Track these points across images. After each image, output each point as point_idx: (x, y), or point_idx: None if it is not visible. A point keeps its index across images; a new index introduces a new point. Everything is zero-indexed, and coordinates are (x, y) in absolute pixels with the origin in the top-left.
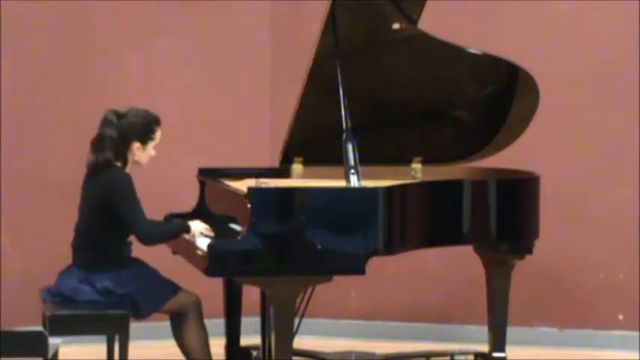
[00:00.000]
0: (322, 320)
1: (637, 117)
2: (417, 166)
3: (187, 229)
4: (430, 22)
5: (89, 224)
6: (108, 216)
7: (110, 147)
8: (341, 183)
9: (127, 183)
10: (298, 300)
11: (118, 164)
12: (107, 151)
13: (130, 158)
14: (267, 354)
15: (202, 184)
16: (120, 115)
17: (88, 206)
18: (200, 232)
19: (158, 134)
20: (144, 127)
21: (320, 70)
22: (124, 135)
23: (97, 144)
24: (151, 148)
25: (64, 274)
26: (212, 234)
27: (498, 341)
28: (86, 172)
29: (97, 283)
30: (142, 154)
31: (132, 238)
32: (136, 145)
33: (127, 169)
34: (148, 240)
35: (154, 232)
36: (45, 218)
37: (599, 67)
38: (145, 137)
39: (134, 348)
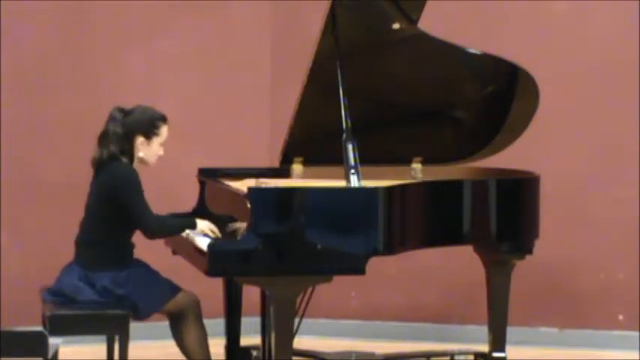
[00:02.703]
0: (322, 320)
1: (637, 117)
2: (417, 166)
3: (193, 225)
4: (430, 22)
5: (93, 221)
6: (112, 212)
7: (114, 142)
8: (341, 183)
9: (133, 176)
10: (298, 300)
11: (124, 159)
12: (112, 146)
13: (136, 154)
14: (267, 354)
15: (202, 184)
16: (125, 112)
17: (93, 202)
18: (202, 231)
19: (163, 130)
20: (148, 122)
21: (320, 70)
22: (128, 131)
23: (102, 140)
24: (156, 145)
25: (65, 271)
26: (219, 235)
27: (498, 341)
28: (93, 169)
29: (96, 282)
30: (147, 150)
31: (135, 239)
32: (140, 139)
33: (133, 166)
34: (154, 234)
35: (161, 226)
36: (45, 218)
37: (599, 67)
38: (148, 132)
39: (134, 348)
